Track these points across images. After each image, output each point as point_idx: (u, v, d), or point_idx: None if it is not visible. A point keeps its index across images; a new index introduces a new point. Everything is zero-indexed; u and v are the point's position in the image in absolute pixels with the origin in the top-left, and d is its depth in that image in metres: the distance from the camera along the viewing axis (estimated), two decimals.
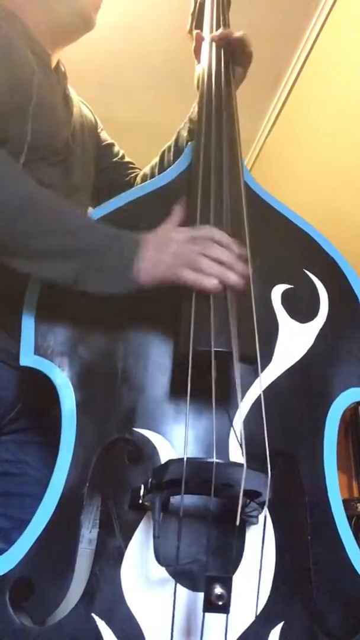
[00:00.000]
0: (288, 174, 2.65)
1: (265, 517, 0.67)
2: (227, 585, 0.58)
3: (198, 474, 0.63)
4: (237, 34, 1.10)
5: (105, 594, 0.66)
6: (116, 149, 1.30)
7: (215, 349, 0.70)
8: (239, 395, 0.70)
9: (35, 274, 0.78)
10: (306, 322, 0.86)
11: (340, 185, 2.31)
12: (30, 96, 0.88)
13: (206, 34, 1.17)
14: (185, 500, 0.67)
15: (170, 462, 0.65)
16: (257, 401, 0.76)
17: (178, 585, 0.66)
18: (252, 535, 0.71)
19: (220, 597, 0.57)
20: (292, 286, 0.88)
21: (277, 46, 2.36)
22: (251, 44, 1.10)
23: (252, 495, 0.65)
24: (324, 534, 0.73)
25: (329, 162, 2.37)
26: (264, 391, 0.78)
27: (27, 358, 0.79)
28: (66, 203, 0.84)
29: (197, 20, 1.25)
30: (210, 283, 0.72)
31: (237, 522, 0.61)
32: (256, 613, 0.64)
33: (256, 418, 0.73)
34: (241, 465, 0.63)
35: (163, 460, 0.71)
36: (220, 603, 0.57)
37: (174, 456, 0.71)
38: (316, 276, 0.90)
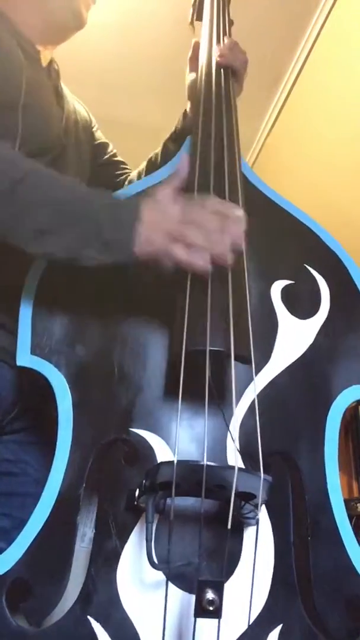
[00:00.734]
0: (288, 174, 2.65)
1: (258, 520, 0.66)
2: (219, 590, 0.57)
3: (189, 476, 0.62)
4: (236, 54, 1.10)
5: (101, 595, 0.66)
6: (109, 148, 1.29)
7: (210, 349, 0.69)
8: (234, 398, 0.69)
9: (37, 249, 0.75)
10: (307, 318, 0.84)
11: (340, 185, 2.30)
12: (20, 91, 0.88)
13: (205, 30, 1.16)
14: (182, 502, 0.67)
15: (161, 465, 0.64)
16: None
17: (174, 587, 0.65)
18: (250, 537, 0.70)
19: (211, 602, 0.57)
20: (292, 282, 0.87)
21: (277, 46, 2.36)
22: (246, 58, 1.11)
23: (246, 497, 0.64)
24: (325, 535, 0.72)
25: (329, 162, 2.37)
26: (263, 390, 0.77)
27: (24, 358, 0.78)
28: (58, 174, 0.80)
29: (198, 11, 1.24)
30: (201, 261, 0.70)
31: (229, 526, 0.60)
32: (249, 615, 0.63)
33: (254, 418, 0.72)
34: (233, 467, 0.62)
35: (159, 461, 0.70)
36: (211, 608, 0.56)
37: (171, 457, 0.70)
38: (317, 271, 0.88)
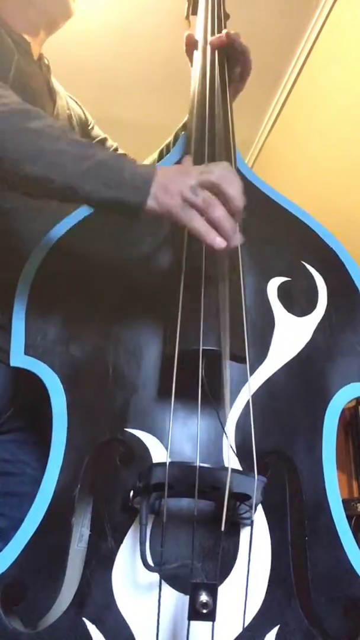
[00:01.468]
0: (287, 174, 2.64)
1: (252, 522, 0.65)
2: (213, 592, 0.57)
3: (183, 478, 0.61)
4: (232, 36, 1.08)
5: (96, 597, 0.65)
6: (108, 143, 1.30)
7: (204, 348, 0.68)
8: (228, 398, 0.69)
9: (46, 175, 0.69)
10: (304, 315, 0.83)
11: (340, 185, 2.30)
12: (7, 74, 0.88)
13: (200, 25, 1.15)
14: (176, 503, 0.66)
15: (153, 466, 0.64)
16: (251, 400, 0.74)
17: (170, 589, 0.65)
18: (247, 537, 0.69)
19: (205, 605, 0.56)
20: (289, 279, 0.86)
21: (277, 46, 2.36)
22: (247, 48, 1.08)
23: (242, 497, 0.64)
24: (323, 535, 0.71)
25: (329, 162, 2.36)
26: (259, 388, 0.76)
27: (17, 358, 0.78)
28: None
29: (193, 5, 1.24)
30: (199, 222, 0.67)
31: (223, 527, 0.59)
32: (244, 616, 0.62)
33: (250, 418, 0.72)
34: (226, 468, 0.61)
35: (155, 462, 0.70)
36: (205, 611, 0.56)
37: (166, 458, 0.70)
38: (314, 268, 0.87)
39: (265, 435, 0.74)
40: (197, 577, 0.64)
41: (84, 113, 1.24)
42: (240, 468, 0.71)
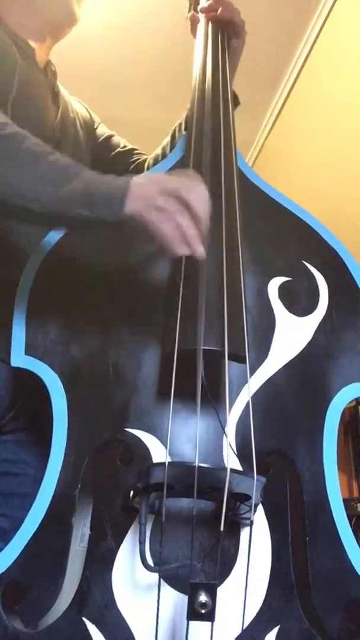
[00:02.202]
0: (287, 175, 2.64)
1: (252, 522, 0.64)
2: (212, 592, 0.57)
3: (182, 478, 0.61)
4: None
5: (96, 597, 0.65)
6: (116, 139, 1.30)
7: (203, 348, 0.68)
8: (227, 399, 0.68)
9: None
10: (305, 315, 0.83)
11: (340, 185, 2.29)
12: (11, 86, 0.89)
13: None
14: (176, 503, 0.66)
15: (152, 466, 0.64)
16: (252, 400, 0.74)
17: (169, 588, 0.65)
18: (247, 537, 0.69)
19: (204, 605, 0.56)
20: (289, 279, 0.86)
21: (277, 46, 2.35)
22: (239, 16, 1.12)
23: (241, 497, 0.63)
24: (323, 535, 0.71)
25: (329, 162, 2.35)
26: (260, 388, 0.76)
27: (18, 358, 0.78)
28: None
29: (195, 2, 1.24)
30: (170, 228, 0.68)
31: (222, 527, 0.59)
32: (243, 616, 0.62)
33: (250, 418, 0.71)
34: (225, 468, 0.61)
35: (155, 461, 0.70)
36: (203, 611, 0.56)
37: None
38: (315, 267, 0.87)
39: (266, 435, 0.74)
40: (196, 577, 0.64)
41: (89, 114, 1.25)
42: (240, 468, 0.71)
